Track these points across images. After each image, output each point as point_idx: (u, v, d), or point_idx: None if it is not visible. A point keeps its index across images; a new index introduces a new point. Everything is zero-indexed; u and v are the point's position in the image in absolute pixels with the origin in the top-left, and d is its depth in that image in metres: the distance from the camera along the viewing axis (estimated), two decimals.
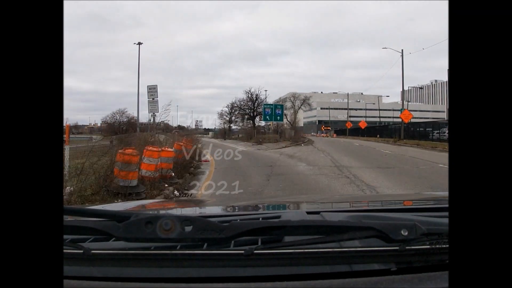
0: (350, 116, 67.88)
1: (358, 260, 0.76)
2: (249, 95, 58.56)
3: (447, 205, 1.31)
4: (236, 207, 1.70)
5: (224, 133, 59.11)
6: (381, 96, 78.66)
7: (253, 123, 57.36)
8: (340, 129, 66.84)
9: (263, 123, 56.03)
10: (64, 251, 0.79)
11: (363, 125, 53.40)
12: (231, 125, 63.33)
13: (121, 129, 48.14)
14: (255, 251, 0.75)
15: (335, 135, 63.31)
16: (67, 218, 0.87)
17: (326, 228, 0.80)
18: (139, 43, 31.96)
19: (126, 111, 58.13)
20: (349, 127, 59.31)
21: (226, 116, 63.41)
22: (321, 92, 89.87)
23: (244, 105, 58.71)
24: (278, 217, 1.04)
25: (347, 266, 0.75)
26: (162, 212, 1.59)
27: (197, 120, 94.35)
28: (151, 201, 1.93)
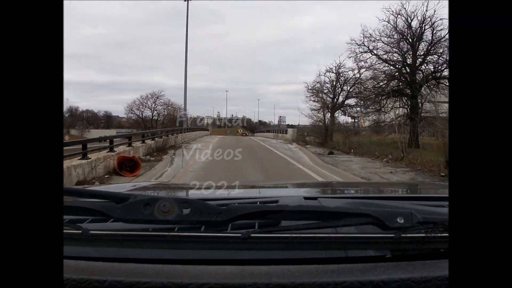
0: None
1: (354, 246, 0.77)
2: (403, 17, 18.42)
3: (444, 195, 1.32)
4: (234, 191, 1.71)
5: (325, 132, 22.37)
6: None
7: (419, 103, 17.77)
8: None
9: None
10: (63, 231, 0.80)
11: None
12: (338, 112, 25.01)
13: (155, 123, 33.14)
14: (252, 235, 0.75)
15: None
16: (66, 199, 0.88)
17: (323, 213, 0.80)
18: None
19: (162, 95, 38.69)
20: None
21: (328, 92, 24.58)
22: None
23: (386, 50, 19.35)
24: (276, 201, 1.05)
25: (342, 252, 0.76)
26: (160, 194, 1.60)
27: (280, 116, 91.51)
28: (149, 183, 1.94)
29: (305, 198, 1.16)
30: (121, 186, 1.75)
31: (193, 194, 1.59)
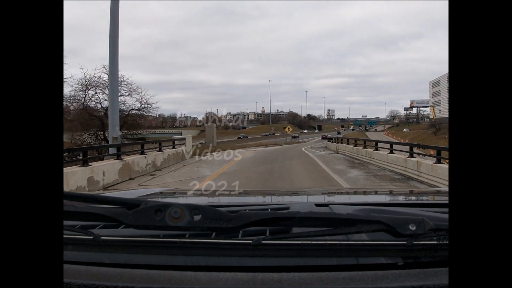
0: None
1: (365, 253, 0.76)
2: None
3: None
4: (245, 198, 1.71)
5: None
6: None
7: None
8: None
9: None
10: (74, 237, 0.80)
11: None
12: None
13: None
14: (263, 242, 0.75)
15: None
16: (78, 205, 0.89)
17: (334, 220, 0.80)
18: None
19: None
20: None
21: None
22: None
23: None
24: (287, 208, 1.04)
25: (354, 259, 0.75)
26: (171, 200, 1.60)
27: (329, 110, 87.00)
28: (160, 189, 1.96)
29: (316, 205, 1.16)
30: (132, 192, 1.76)
31: (204, 200, 1.60)
